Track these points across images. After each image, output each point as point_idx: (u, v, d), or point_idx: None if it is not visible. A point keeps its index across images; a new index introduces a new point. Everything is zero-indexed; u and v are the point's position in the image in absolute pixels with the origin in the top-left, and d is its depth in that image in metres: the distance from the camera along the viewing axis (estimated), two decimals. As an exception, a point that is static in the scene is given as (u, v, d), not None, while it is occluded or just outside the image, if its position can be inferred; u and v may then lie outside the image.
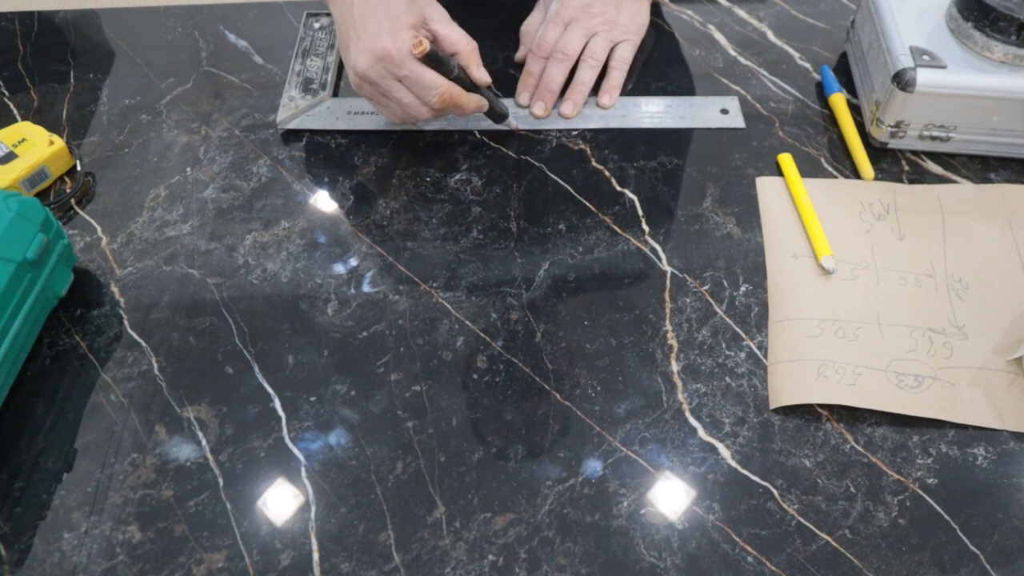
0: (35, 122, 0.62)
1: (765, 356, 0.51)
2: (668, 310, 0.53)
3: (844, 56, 0.70)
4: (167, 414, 0.49)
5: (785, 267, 0.55)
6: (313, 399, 0.49)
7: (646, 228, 0.58)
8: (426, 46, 0.53)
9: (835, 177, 0.61)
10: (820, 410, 0.48)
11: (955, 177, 0.60)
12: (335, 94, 0.68)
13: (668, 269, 0.55)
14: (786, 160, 0.61)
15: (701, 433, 0.48)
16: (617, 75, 0.66)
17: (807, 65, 0.69)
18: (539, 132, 0.64)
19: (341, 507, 0.45)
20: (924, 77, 0.57)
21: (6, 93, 0.69)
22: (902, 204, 0.58)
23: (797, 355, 0.50)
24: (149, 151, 0.64)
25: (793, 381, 0.49)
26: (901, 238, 0.56)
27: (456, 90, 0.57)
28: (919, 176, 0.60)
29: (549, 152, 0.63)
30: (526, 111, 0.65)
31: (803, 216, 0.57)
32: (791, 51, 0.71)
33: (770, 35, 0.72)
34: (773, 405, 0.48)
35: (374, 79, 0.55)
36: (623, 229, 0.58)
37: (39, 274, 0.50)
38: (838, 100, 0.65)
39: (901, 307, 0.52)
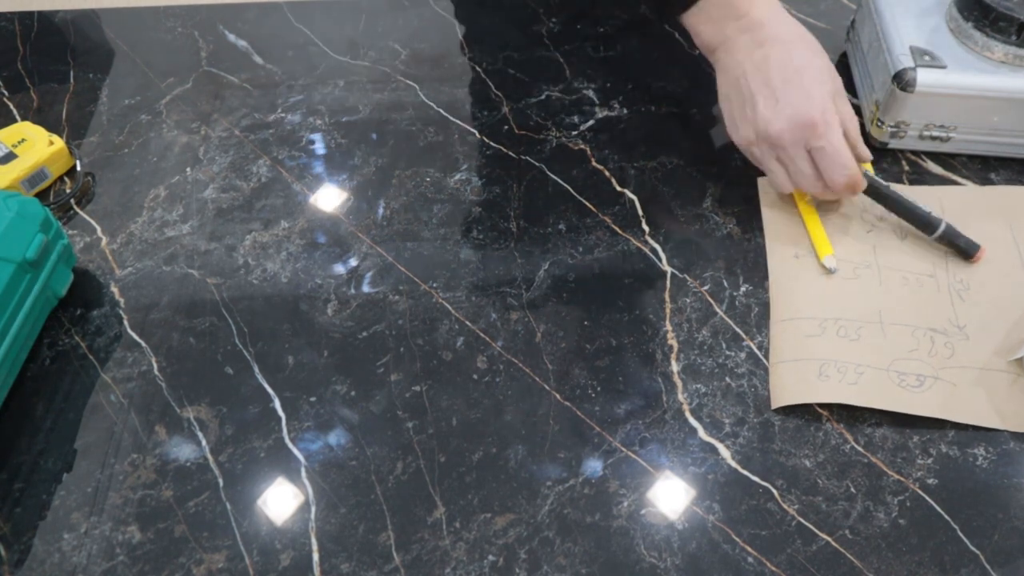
0: (35, 122, 0.62)
1: (765, 356, 0.51)
2: (668, 310, 0.53)
3: (844, 56, 0.70)
4: (167, 414, 0.49)
5: (786, 266, 0.55)
6: (313, 399, 0.49)
7: (646, 228, 0.58)
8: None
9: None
10: (820, 410, 0.48)
11: (955, 177, 0.60)
12: None
13: (668, 269, 0.55)
14: None
15: (701, 433, 0.47)
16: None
17: (807, 65, 0.69)
18: (539, 132, 0.64)
19: (341, 507, 0.45)
20: (924, 77, 0.57)
21: (6, 93, 0.69)
22: None
23: (799, 355, 0.50)
24: (149, 151, 0.64)
25: (795, 381, 0.49)
26: (903, 238, 0.56)
27: (859, 175, 0.53)
28: (919, 176, 0.60)
29: (549, 152, 0.63)
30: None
31: (804, 215, 0.57)
32: (791, 51, 0.71)
33: (770, 35, 0.72)
34: (775, 405, 0.48)
35: (786, 143, 0.52)
36: (623, 229, 0.58)
37: (39, 274, 0.50)
38: (838, 100, 0.65)
39: (903, 307, 0.52)
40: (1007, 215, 0.57)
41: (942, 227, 0.54)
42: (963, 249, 0.54)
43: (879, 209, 0.58)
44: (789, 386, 0.49)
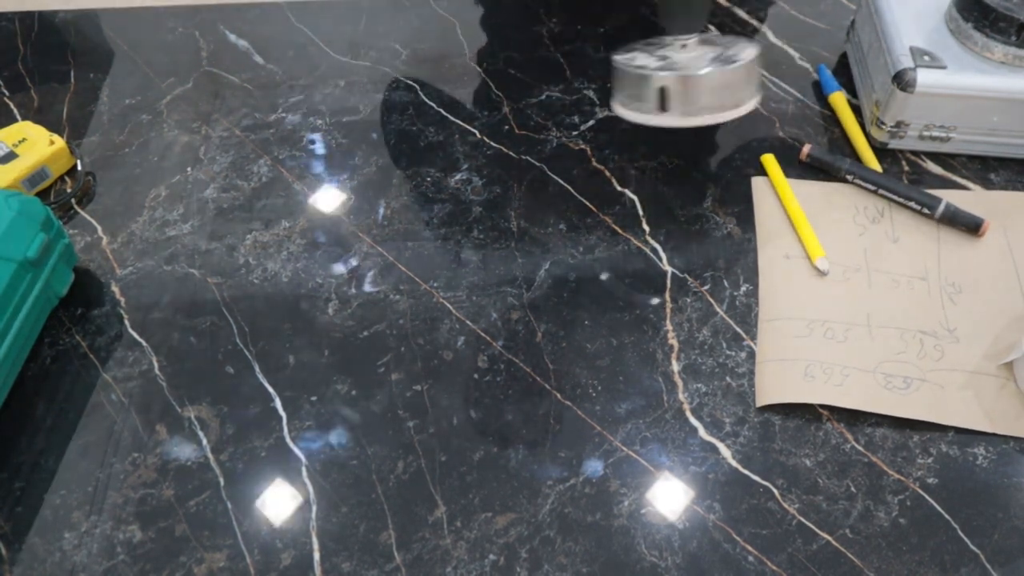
0: (35, 122, 0.62)
1: (765, 356, 0.51)
2: (669, 310, 0.53)
3: (844, 57, 0.70)
4: (168, 414, 0.49)
5: (777, 267, 0.55)
6: (314, 399, 0.49)
7: (646, 228, 0.58)
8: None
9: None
10: (820, 410, 0.48)
11: (955, 177, 0.60)
12: None
13: (668, 269, 0.55)
14: (769, 160, 0.61)
15: (702, 433, 0.48)
16: None
17: (807, 65, 0.70)
18: (539, 132, 0.64)
19: (342, 507, 0.45)
20: (924, 77, 0.57)
21: (6, 93, 0.69)
22: (897, 208, 0.58)
23: (785, 355, 0.50)
24: (149, 151, 0.64)
25: (780, 380, 0.49)
26: (895, 241, 0.56)
27: None
28: (919, 176, 0.61)
29: (549, 152, 0.63)
30: None
31: (791, 216, 0.57)
32: (791, 51, 0.71)
33: (770, 35, 0.72)
34: (760, 403, 0.48)
35: None
36: (623, 229, 0.58)
37: (40, 274, 0.50)
38: (838, 98, 0.65)
39: (892, 309, 0.52)
40: (1001, 220, 0.57)
41: (943, 205, 0.56)
42: (968, 225, 0.56)
43: (875, 209, 0.58)
44: (774, 385, 0.49)
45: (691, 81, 0.52)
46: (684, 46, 0.55)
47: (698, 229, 0.58)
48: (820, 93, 0.67)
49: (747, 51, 0.54)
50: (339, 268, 0.56)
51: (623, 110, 0.57)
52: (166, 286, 0.55)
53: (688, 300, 0.54)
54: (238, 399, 0.49)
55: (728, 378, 0.50)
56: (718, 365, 0.50)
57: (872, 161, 0.61)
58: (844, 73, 0.68)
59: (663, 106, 0.54)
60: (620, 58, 0.56)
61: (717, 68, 0.52)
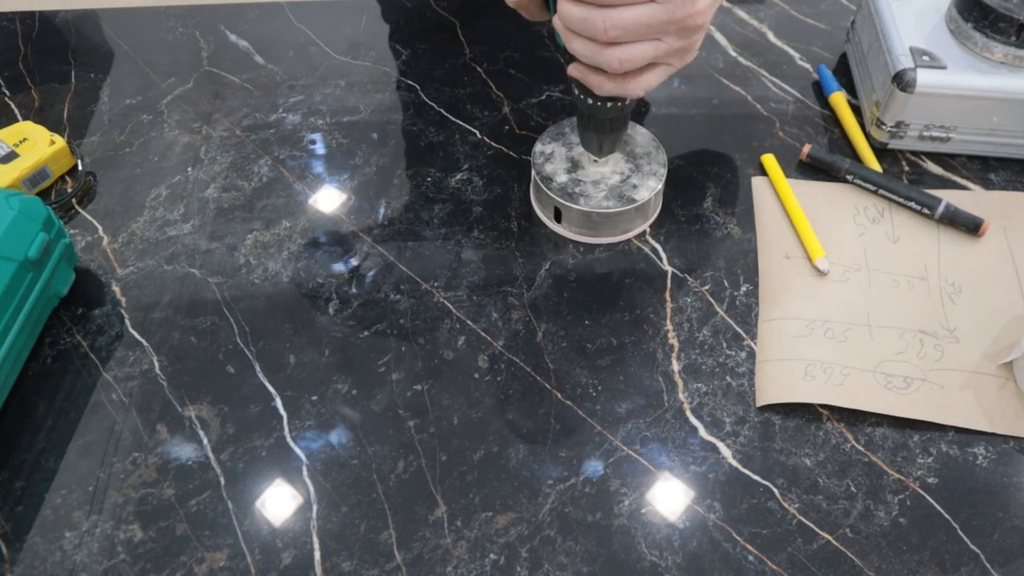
0: (36, 122, 0.62)
1: (766, 356, 0.51)
2: (669, 310, 0.53)
3: (844, 57, 0.70)
4: (168, 413, 0.49)
5: (777, 267, 0.55)
6: (314, 398, 0.49)
7: (646, 228, 0.58)
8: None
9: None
10: (821, 409, 0.48)
11: (955, 177, 0.61)
12: None
13: (669, 269, 0.55)
14: (769, 160, 0.61)
15: (702, 432, 0.48)
16: None
17: (807, 65, 0.70)
18: (540, 132, 0.64)
19: (342, 506, 0.45)
20: (924, 78, 0.57)
21: (7, 93, 0.69)
22: (897, 208, 0.58)
23: (785, 354, 0.50)
24: (150, 151, 0.64)
25: (780, 380, 0.49)
26: (895, 241, 0.56)
27: None
28: (919, 176, 0.61)
29: (550, 152, 0.63)
30: None
31: (792, 216, 0.57)
32: (791, 51, 0.71)
33: (770, 35, 0.73)
34: (760, 403, 0.48)
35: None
36: (624, 229, 0.58)
37: (40, 273, 0.50)
38: (838, 98, 0.65)
39: (892, 309, 0.52)
40: (1001, 220, 0.57)
41: (943, 205, 0.56)
42: (968, 225, 0.56)
43: (875, 209, 0.58)
44: (774, 385, 0.49)
45: (575, 209, 0.55)
46: (595, 160, 0.57)
47: (698, 229, 0.58)
48: (820, 93, 0.67)
49: (649, 183, 0.55)
50: (340, 268, 0.56)
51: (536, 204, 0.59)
52: (167, 286, 0.55)
53: (688, 300, 0.54)
54: (238, 399, 0.49)
55: (728, 378, 0.50)
56: (718, 365, 0.50)
57: (872, 161, 0.61)
58: (844, 73, 0.68)
59: (558, 219, 0.57)
60: (539, 148, 0.58)
61: (606, 206, 0.54)
